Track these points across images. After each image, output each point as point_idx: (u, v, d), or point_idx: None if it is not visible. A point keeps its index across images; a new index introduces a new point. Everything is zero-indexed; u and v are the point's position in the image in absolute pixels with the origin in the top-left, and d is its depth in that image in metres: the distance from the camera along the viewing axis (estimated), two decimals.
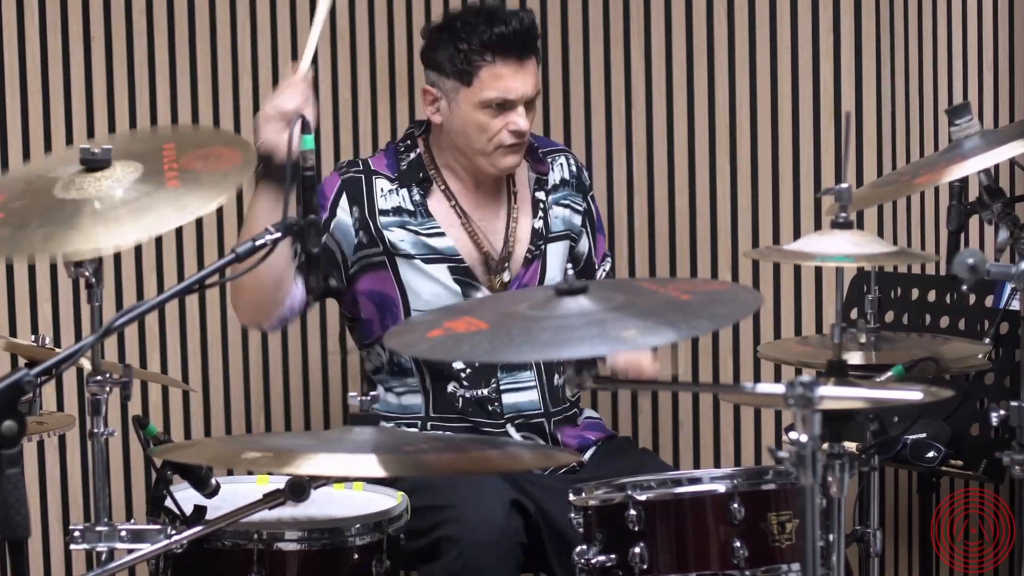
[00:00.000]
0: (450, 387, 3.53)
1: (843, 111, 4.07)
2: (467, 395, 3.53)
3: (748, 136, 4.16)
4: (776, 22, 4.13)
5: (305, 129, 2.54)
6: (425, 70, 3.55)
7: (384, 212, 3.51)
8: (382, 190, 3.53)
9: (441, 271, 3.53)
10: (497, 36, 3.43)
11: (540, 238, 3.60)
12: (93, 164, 2.55)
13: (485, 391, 3.53)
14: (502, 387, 3.53)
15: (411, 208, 3.53)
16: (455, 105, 3.49)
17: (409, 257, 3.51)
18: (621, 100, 4.20)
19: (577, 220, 3.68)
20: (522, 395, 3.56)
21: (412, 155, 3.57)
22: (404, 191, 3.54)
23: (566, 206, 3.67)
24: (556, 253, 3.63)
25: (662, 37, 4.17)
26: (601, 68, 4.20)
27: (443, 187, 3.56)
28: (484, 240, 3.56)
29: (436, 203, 3.55)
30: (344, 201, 3.50)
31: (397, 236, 3.51)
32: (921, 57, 4.17)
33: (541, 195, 3.63)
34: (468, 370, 3.53)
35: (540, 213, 3.61)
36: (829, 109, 4.12)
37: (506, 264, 3.57)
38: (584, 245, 3.70)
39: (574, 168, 3.71)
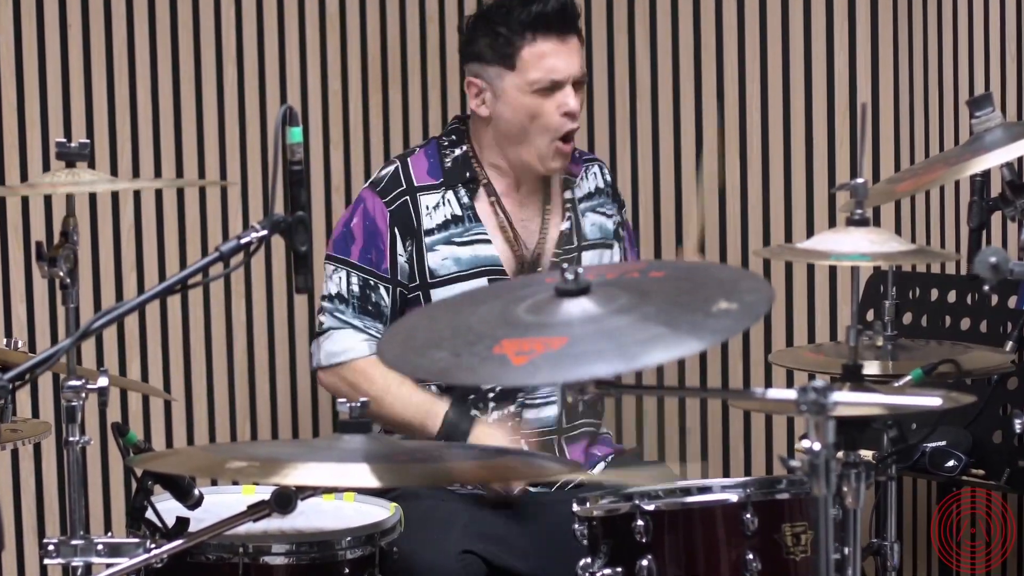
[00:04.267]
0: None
1: (859, 103, 4.05)
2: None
3: (759, 129, 4.15)
4: (788, 10, 4.13)
5: (293, 121, 2.47)
6: (466, 64, 3.55)
7: (430, 232, 3.46)
8: (427, 207, 3.47)
9: (480, 285, 3.45)
10: (535, 14, 3.45)
11: (567, 242, 3.55)
12: (70, 157, 2.60)
13: (512, 407, 3.47)
14: (526, 402, 3.48)
15: (459, 213, 3.48)
16: (501, 93, 3.47)
17: (446, 283, 3.44)
18: (626, 94, 4.20)
19: (611, 228, 3.64)
20: (543, 411, 3.50)
21: (458, 151, 3.53)
22: (451, 194, 3.49)
23: (601, 213, 3.63)
24: (592, 261, 3.57)
25: (668, 27, 4.17)
26: (604, 63, 4.19)
27: (487, 184, 3.51)
28: (521, 243, 3.52)
29: (481, 204, 3.51)
30: (399, 241, 3.45)
31: (438, 257, 3.46)
32: (940, 46, 4.16)
33: (567, 194, 3.59)
34: (497, 387, 3.45)
35: (567, 215, 3.57)
36: (844, 101, 4.11)
37: (537, 268, 3.52)
38: (617, 258, 3.65)
39: (608, 178, 3.69)
